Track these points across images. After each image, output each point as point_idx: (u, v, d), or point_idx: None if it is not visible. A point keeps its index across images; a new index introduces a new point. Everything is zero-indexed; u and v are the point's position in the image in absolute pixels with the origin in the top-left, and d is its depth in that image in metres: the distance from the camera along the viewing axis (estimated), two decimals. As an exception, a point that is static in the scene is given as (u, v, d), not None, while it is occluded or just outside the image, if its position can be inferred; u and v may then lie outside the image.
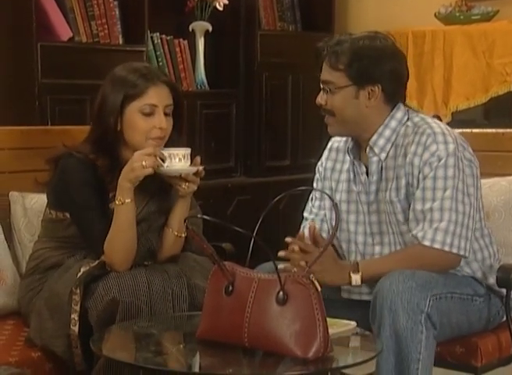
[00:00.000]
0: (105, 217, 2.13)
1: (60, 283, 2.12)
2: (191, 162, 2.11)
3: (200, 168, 2.12)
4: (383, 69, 2.10)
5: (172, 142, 2.19)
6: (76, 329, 2.04)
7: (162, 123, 2.15)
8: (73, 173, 2.16)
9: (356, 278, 2.06)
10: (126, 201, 2.09)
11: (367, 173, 2.20)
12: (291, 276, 1.72)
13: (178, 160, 2.08)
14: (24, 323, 2.24)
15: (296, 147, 4.07)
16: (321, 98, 2.16)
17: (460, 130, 2.46)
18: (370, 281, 2.07)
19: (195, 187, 2.14)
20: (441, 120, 3.36)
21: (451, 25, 3.72)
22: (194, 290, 2.11)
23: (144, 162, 2.06)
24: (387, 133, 2.16)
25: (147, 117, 2.15)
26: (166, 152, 2.08)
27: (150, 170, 2.07)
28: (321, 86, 2.16)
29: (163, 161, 2.07)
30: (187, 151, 2.10)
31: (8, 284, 2.33)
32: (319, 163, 2.34)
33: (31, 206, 2.44)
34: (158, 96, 2.15)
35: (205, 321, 1.80)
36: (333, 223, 2.25)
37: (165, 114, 2.17)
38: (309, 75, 4.00)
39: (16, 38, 3.22)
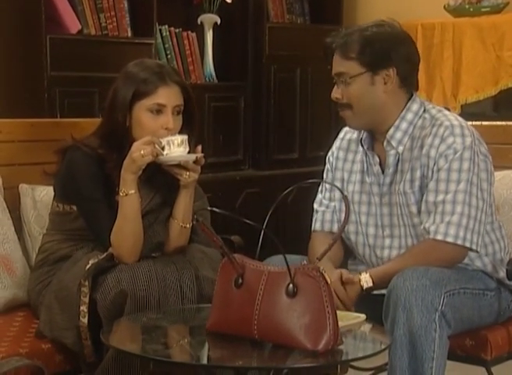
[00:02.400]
0: (112, 209, 2.14)
1: (69, 275, 2.13)
2: (190, 150, 2.11)
3: (200, 155, 2.12)
4: (395, 51, 2.10)
5: None
6: (85, 321, 2.05)
7: (169, 123, 2.14)
8: (79, 165, 2.16)
9: (366, 278, 2.05)
10: (130, 192, 2.10)
11: (380, 164, 2.19)
12: (301, 268, 1.72)
13: (177, 146, 2.09)
14: (34, 315, 2.25)
15: (304, 140, 4.06)
16: (335, 92, 2.13)
17: (470, 123, 2.44)
18: (382, 284, 2.05)
19: (196, 176, 2.15)
20: (450, 113, 3.36)
21: (460, 17, 3.71)
22: (202, 281, 2.11)
23: (142, 151, 2.06)
24: (404, 126, 2.15)
25: (154, 116, 2.14)
26: (164, 140, 2.09)
27: (149, 158, 2.07)
28: (335, 80, 2.14)
29: (162, 149, 2.08)
30: (184, 137, 2.11)
31: (18, 276, 2.33)
32: (330, 153, 2.32)
33: (41, 199, 2.45)
34: (167, 96, 2.15)
35: (215, 314, 1.80)
36: (342, 215, 2.24)
37: (174, 113, 2.16)
38: (317, 68, 4.04)
39: (25, 31, 3.22)
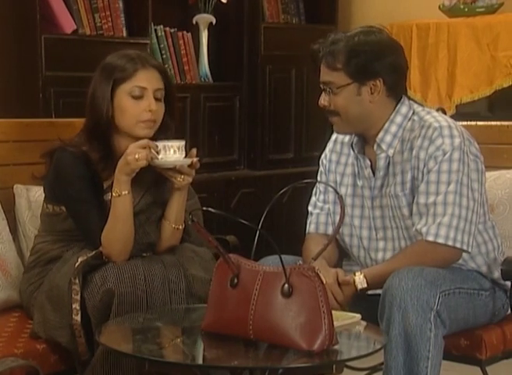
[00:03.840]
0: (101, 209, 2.14)
1: (59, 275, 2.12)
2: (186, 154, 2.10)
3: (195, 159, 2.11)
4: (382, 62, 2.09)
5: (164, 127, 2.20)
6: (78, 318, 2.05)
7: (152, 105, 2.14)
8: (67, 167, 2.16)
9: (360, 280, 2.06)
10: (123, 193, 2.09)
11: (371, 168, 2.19)
12: (296, 268, 1.72)
13: (172, 152, 2.07)
14: (28, 316, 2.24)
15: (299, 140, 4.07)
16: (323, 100, 2.14)
17: (465, 123, 2.45)
18: (376, 284, 2.06)
19: (190, 180, 2.14)
20: (445, 113, 3.37)
21: (455, 17, 3.72)
22: (192, 280, 2.11)
23: (137, 155, 2.06)
24: (393, 129, 2.15)
25: (136, 100, 2.14)
26: (161, 144, 2.07)
27: (144, 162, 2.07)
28: (322, 87, 2.15)
29: (157, 153, 2.07)
30: (182, 143, 2.09)
31: (13, 277, 2.33)
32: (323, 156, 2.33)
33: (35, 199, 2.45)
34: (147, 79, 2.15)
35: (210, 313, 1.80)
36: (337, 217, 2.25)
37: (156, 99, 2.16)
38: (313, 68, 4.04)
39: (19, 31, 3.21)
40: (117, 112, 2.15)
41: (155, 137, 2.17)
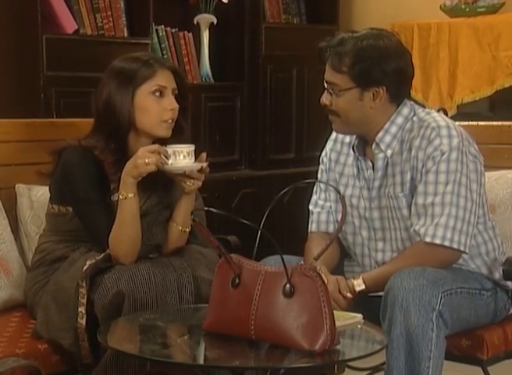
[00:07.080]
0: (108, 210, 2.13)
1: (66, 276, 2.12)
2: (195, 159, 2.10)
3: (205, 165, 2.11)
4: (387, 69, 2.07)
5: (179, 129, 2.20)
6: (83, 322, 2.05)
7: (173, 104, 2.16)
8: (75, 166, 2.16)
9: (358, 282, 2.07)
10: (129, 195, 2.09)
11: (373, 169, 2.19)
12: (298, 268, 1.72)
13: (182, 157, 2.06)
14: (30, 315, 2.25)
15: (300, 140, 4.07)
16: (325, 99, 2.13)
17: (466, 123, 2.45)
18: (375, 287, 2.06)
19: (200, 184, 2.14)
20: (447, 114, 3.37)
21: (457, 17, 3.72)
22: (199, 282, 2.11)
23: (147, 160, 2.05)
24: (393, 129, 2.14)
25: (158, 98, 2.15)
26: (170, 149, 2.06)
27: (153, 167, 2.06)
28: (325, 86, 2.14)
29: (167, 158, 2.06)
30: (191, 148, 2.08)
31: (14, 276, 2.33)
32: (323, 154, 2.33)
33: (37, 199, 2.44)
34: (166, 78, 2.17)
35: (212, 313, 1.81)
36: (338, 216, 2.25)
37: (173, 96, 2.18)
38: (314, 68, 4.04)
39: (20, 31, 3.22)
40: (139, 113, 2.15)
41: (170, 141, 2.16)
